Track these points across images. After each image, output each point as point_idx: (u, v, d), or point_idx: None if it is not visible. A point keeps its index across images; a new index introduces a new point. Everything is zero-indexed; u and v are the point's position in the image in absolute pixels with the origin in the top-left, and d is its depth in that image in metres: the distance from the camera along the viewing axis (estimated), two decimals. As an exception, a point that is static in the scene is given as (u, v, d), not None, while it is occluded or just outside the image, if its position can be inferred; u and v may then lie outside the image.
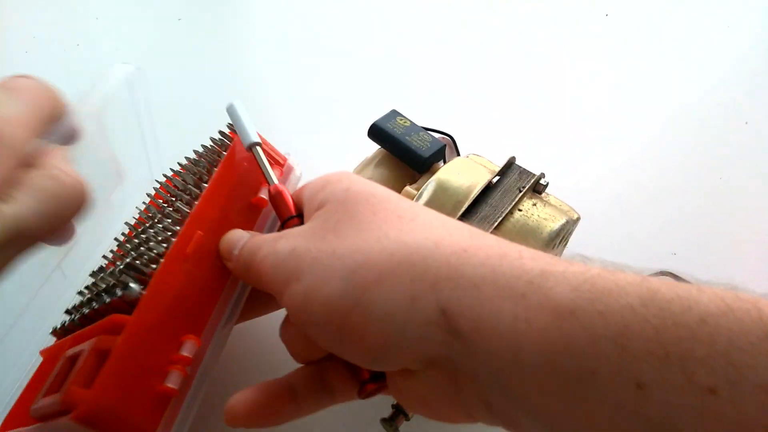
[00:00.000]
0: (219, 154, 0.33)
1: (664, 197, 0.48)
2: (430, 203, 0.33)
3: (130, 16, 0.65)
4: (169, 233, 0.29)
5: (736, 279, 0.39)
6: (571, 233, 0.35)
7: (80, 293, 0.32)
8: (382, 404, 0.35)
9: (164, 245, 0.28)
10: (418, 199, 0.33)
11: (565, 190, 0.38)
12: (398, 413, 0.30)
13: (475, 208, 0.33)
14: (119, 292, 0.27)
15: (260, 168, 0.30)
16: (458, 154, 0.43)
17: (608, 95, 0.56)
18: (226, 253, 0.29)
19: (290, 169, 0.35)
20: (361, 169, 0.37)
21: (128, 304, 0.26)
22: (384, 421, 0.30)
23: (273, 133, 0.53)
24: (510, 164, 0.35)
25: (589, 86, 0.57)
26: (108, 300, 0.28)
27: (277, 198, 0.29)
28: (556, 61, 0.60)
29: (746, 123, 0.54)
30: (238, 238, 0.29)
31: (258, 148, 0.31)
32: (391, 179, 0.36)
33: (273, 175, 0.30)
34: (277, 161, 0.35)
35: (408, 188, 0.34)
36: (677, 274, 0.41)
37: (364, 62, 0.60)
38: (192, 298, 0.28)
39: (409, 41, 0.62)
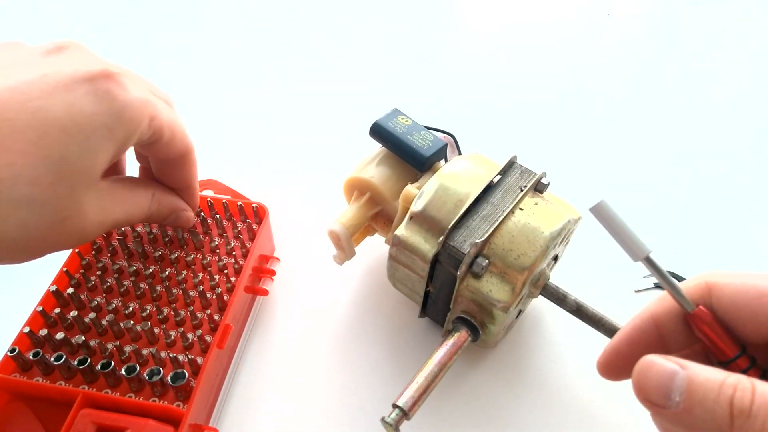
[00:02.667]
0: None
1: (665, 197, 0.48)
2: (431, 202, 0.33)
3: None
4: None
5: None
6: (572, 233, 0.35)
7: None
8: (382, 404, 0.35)
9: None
10: (419, 198, 0.33)
11: (567, 189, 0.38)
12: (399, 413, 0.30)
13: (476, 207, 0.32)
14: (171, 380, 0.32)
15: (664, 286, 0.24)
16: (460, 153, 0.43)
17: (609, 94, 0.56)
18: (660, 399, 0.21)
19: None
20: (362, 168, 0.37)
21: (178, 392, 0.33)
22: (384, 420, 0.30)
23: (274, 133, 0.53)
24: (511, 163, 0.34)
25: (590, 85, 0.57)
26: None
27: (708, 330, 0.23)
28: (557, 60, 0.60)
29: (747, 124, 0.54)
30: (670, 375, 0.20)
31: (652, 257, 0.24)
32: (392, 178, 0.36)
33: (685, 296, 0.23)
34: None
35: (409, 187, 0.34)
36: (678, 274, 0.41)
37: (365, 61, 0.60)
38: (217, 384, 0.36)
39: (409, 40, 0.62)
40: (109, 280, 0.38)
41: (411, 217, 0.33)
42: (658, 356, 0.21)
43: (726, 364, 0.23)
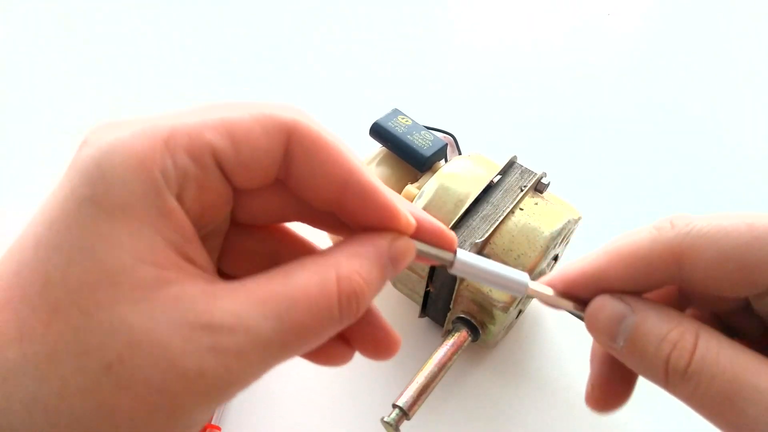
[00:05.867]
0: None
1: (665, 197, 0.48)
2: (431, 202, 0.33)
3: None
4: None
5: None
6: (572, 232, 0.35)
7: None
8: (382, 404, 0.35)
9: None
10: (419, 198, 0.33)
11: (567, 189, 0.38)
12: (399, 413, 0.30)
13: (476, 207, 0.33)
14: None
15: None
16: (460, 153, 0.43)
17: (609, 94, 0.56)
18: (606, 339, 0.20)
19: None
20: None
21: None
22: (384, 420, 0.30)
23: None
24: (511, 163, 0.35)
25: (590, 85, 0.57)
26: None
27: None
28: (556, 60, 0.60)
29: (748, 120, 0.54)
30: (618, 317, 0.20)
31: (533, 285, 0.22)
32: (392, 178, 0.36)
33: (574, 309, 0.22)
34: None
35: (409, 187, 0.34)
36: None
37: (365, 61, 0.60)
38: None
39: (409, 40, 0.62)
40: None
41: None
42: (611, 296, 0.20)
43: None
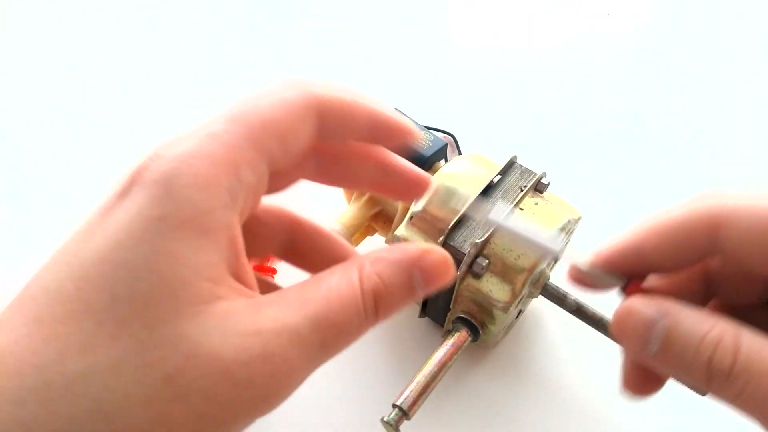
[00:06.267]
0: None
1: (666, 197, 0.48)
2: (432, 202, 0.33)
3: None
4: None
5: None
6: (572, 232, 0.35)
7: None
8: (382, 404, 0.35)
9: None
10: (419, 199, 0.33)
11: (567, 189, 0.38)
12: (399, 413, 0.30)
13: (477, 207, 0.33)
14: None
15: None
16: (460, 153, 0.43)
17: (609, 94, 0.56)
18: (638, 347, 0.19)
19: None
20: None
21: None
22: (384, 420, 0.30)
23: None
24: (511, 163, 0.35)
25: (590, 85, 0.57)
26: None
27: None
28: (556, 60, 0.60)
29: (748, 123, 0.54)
30: (648, 324, 0.19)
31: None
32: None
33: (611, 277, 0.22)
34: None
35: None
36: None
37: (365, 61, 0.60)
38: None
39: (408, 40, 0.62)
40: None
41: (411, 217, 0.33)
42: (640, 301, 0.20)
43: None
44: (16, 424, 0.15)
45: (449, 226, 0.31)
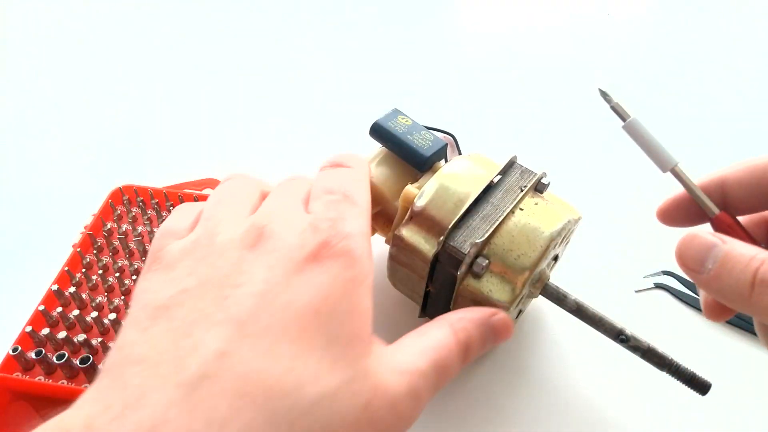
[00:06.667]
0: None
1: (666, 197, 0.47)
2: (431, 202, 0.33)
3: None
4: None
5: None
6: (572, 233, 0.35)
7: None
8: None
9: None
10: (419, 198, 0.33)
11: (567, 190, 0.38)
12: None
13: (476, 207, 0.33)
14: None
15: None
16: (460, 153, 0.43)
17: (611, 93, 0.56)
18: (696, 265, 0.24)
19: None
20: None
21: None
22: None
23: (274, 133, 0.53)
24: (511, 163, 0.34)
25: (590, 86, 0.57)
26: None
27: (728, 231, 0.26)
28: (556, 60, 0.60)
29: (748, 123, 0.54)
30: (709, 246, 0.24)
31: (680, 168, 0.27)
32: (392, 178, 0.36)
33: (710, 202, 0.26)
34: None
35: (410, 187, 0.34)
36: (678, 274, 0.41)
37: (365, 61, 0.60)
38: None
39: (409, 41, 0.62)
40: (111, 279, 0.39)
41: (411, 217, 0.33)
42: (702, 231, 0.24)
43: None
44: None
45: (449, 226, 0.31)
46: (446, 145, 0.36)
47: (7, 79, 0.59)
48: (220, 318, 0.20)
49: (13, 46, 0.62)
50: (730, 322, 0.39)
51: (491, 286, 0.31)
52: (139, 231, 0.41)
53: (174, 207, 0.42)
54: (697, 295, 0.40)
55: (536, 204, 0.33)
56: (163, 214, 0.42)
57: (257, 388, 0.19)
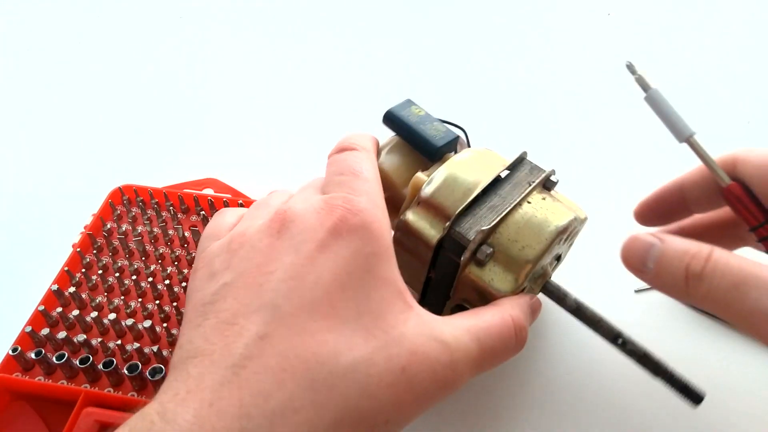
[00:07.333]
0: None
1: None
2: (440, 189, 0.32)
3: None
4: None
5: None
6: (577, 233, 0.35)
7: None
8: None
9: None
10: (428, 185, 0.33)
11: (567, 189, 0.38)
12: None
13: (484, 198, 0.32)
14: None
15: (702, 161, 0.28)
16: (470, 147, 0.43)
17: (609, 94, 0.56)
18: (638, 265, 0.26)
19: None
20: None
21: None
22: None
23: (277, 129, 0.53)
24: (521, 159, 0.34)
25: (591, 86, 0.57)
26: None
27: (738, 201, 0.27)
28: (557, 60, 0.60)
29: (748, 122, 0.54)
30: (648, 246, 0.26)
31: (696, 138, 0.28)
32: (402, 165, 0.36)
33: (723, 172, 0.27)
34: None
35: (419, 174, 0.34)
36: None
37: (373, 58, 0.60)
38: None
39: (419, 38, 0.62)
40: (111, 279, 0.38)
41: (418, 203, 0.33)
42: (643, 233, 0.26)
43: (754, 230, 0.27)
44: (312, 406, 0.21)
45: (456, 212, 0.31)
46: (457, 137, 0.36)
47: (7, 79, 0.59)
48: (258, 305, 0.23)
49: (12, 46, 0.62)
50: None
51: (493, 275, 0.31)
52: (139, 231, 0.41)
53: (174, 207, 0.42)
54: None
55: (544, 199, 0.33)
56: (163, 214, 0.42)
57: (296, 361, 0.21)
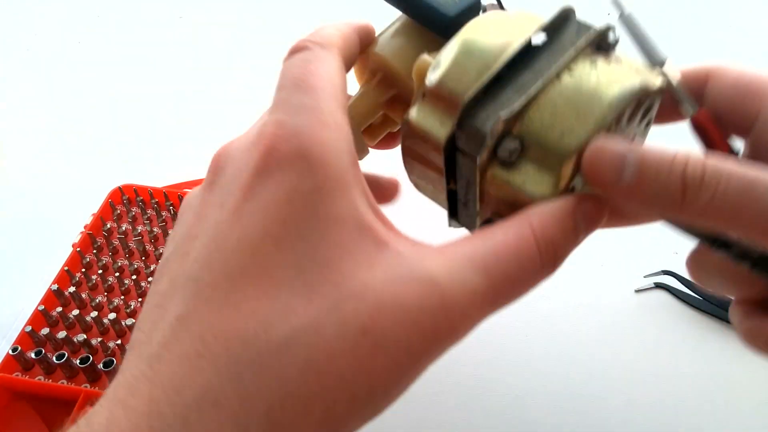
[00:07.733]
0: None
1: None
2: (449, 71, 0.23)
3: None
4: None
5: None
6: (653, 111, 0.26)
7: None
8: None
9: None
10: (434, 69, 0.24)
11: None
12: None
13: (511, 75, 0.23)
14: None
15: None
16: None
17: None
18: (612, 175, 0.20)
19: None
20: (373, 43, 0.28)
21: None
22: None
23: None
24: (565, 15, 0.24)
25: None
26: None
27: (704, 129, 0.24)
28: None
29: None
30: (621, 153, 0.20)
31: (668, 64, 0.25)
32: (408, 50, 0.27)
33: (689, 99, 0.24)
34: None
35: (424, 56, 0.25)
36: (678, 274, 0.41)
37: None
38: None
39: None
40: (111, 279, 0.39)
41: (424, 95, 0.24)
42: (606, 139, 0.20)
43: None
44: (236, 396, 0.17)
45: (467, 98, 0.22)
46: (479, 2, 0.27)
47: (7, 79, 0.59)
48: (182, 280, 0.19)
49: (12, 46, 0.62)
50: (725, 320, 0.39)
51: (524, 176, 0.22)
52: (139, 231, 0.41)
53: (174, 207, 0.42)
54: (698, 295, 0.40)
55: (593, 63, 0.23)
56: (163, 214, 0.42)
57: (215, 343, 0.17)
